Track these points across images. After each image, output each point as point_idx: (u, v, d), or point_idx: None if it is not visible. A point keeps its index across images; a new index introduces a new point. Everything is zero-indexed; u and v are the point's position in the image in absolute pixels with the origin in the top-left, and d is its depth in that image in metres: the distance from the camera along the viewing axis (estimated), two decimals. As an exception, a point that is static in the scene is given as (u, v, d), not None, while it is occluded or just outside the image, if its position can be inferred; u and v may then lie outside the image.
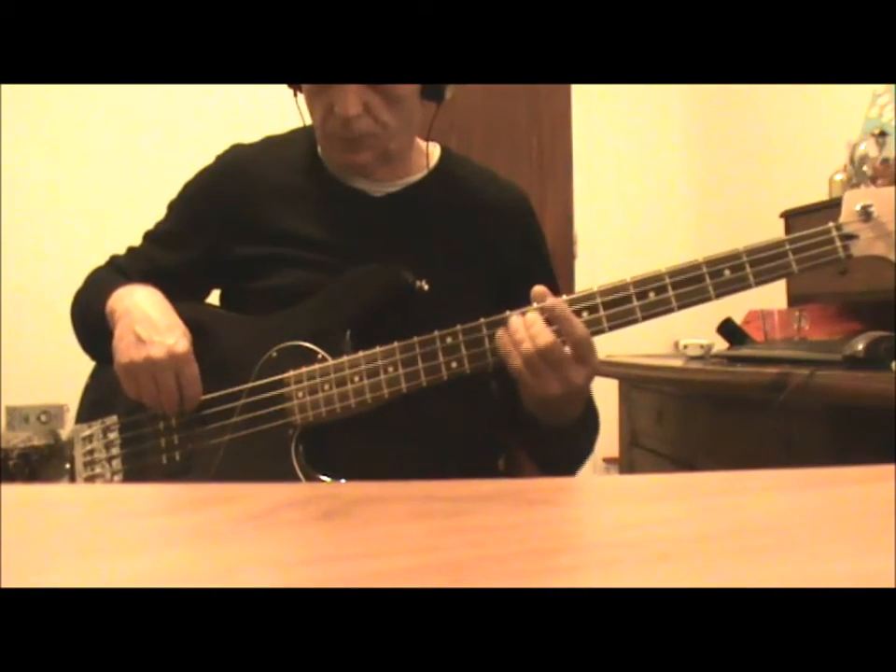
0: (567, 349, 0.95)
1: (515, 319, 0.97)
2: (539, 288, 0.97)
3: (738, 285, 0.95)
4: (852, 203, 0.96)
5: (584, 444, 1.14)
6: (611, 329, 0.97)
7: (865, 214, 0.95)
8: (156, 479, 1.10)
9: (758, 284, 0.95)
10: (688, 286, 0.96)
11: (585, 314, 0.96)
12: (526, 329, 0.95)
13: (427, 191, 1.15)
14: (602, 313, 0.96)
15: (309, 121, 1.13)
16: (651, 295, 0.96)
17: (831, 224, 0.96)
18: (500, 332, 0.97)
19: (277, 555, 0.35)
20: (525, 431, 1.09)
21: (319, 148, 1.17)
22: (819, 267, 0.96)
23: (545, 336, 0.94)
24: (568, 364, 0.95)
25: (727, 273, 0.95)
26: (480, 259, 1.14)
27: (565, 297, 0.97)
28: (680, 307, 0.96)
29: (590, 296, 0.97)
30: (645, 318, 0.97)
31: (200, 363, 1.07)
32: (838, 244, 0.95)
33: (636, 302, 0.96)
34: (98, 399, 1.18)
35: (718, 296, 0.96)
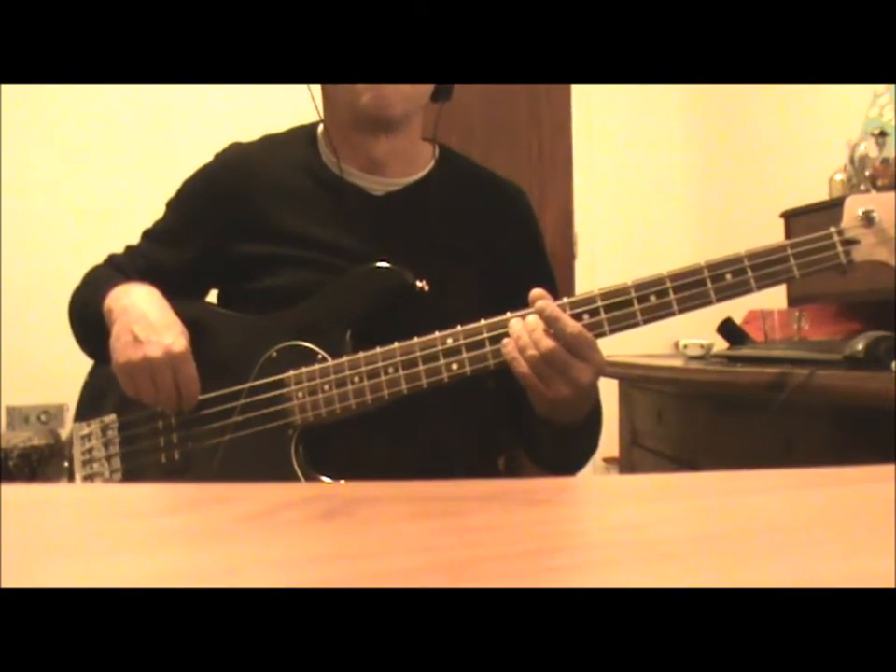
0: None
1: (517, 324, 0.96)
2: (537, 292, 0.97)
3: (740, 289, 0.95)
4: (854, 207, 0.96)
5: (590, 442, 1.14)
6: (612, 332, 0.97)
7: (867, 219, 0.95)
8: (155, 478, 1.10)
9: (759, 288, 0.95)
10: (689, 289, 0.96)
11: (586, 316, 0.96)
12: (529, 334, 0.95)
13: (428, 190, 1.15)
14: (603, 316, 0.96)
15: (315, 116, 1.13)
16: (653, 298, 0.96)
17: (832, 229, 0.96)
18: (505, 341, 0.97)
19: (277, 555, 0.35)
20: (534, 432, 1.09)
21: (323, 144, 1.16)
22: (820, 272, 0.96)
23: (548, 340, 0.94)
24: (572, 365, 0.95)
25: (729, 277, 0.95)
26: (479, 258, 1.14)
27: (566, 299, 0.97)
28: (682, 311, 0.96)
29: (591, 299, 0.97)
30: (646, 322, 0.97)
31: (198, 362, 1.07)
32: (840, 249, 0.95)
33: (637, 306, 0.96)
34: (96, 396, 1.18)
35: (719, 300, 0.96)
